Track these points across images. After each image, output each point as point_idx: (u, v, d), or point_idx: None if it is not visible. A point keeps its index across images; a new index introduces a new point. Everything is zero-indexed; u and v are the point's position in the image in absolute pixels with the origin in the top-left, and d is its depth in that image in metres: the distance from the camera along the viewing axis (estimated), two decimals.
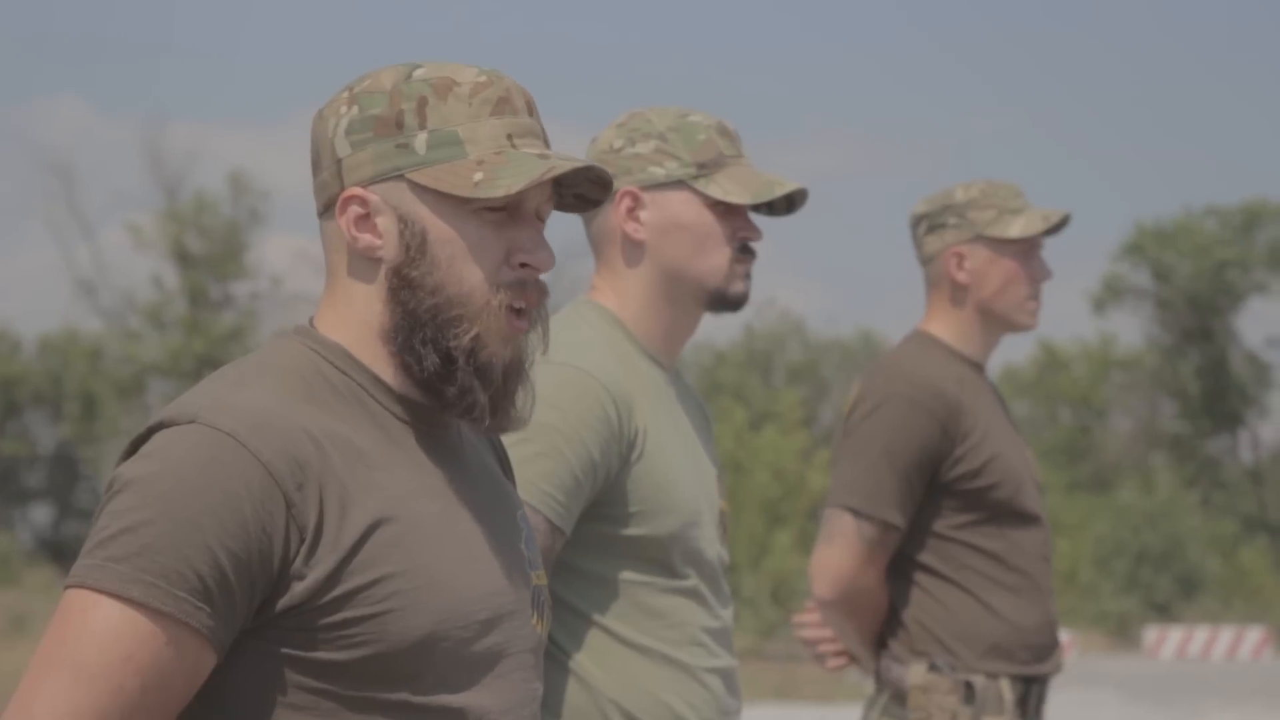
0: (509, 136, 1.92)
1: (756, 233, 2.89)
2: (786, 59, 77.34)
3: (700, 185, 2.85)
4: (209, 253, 41.77)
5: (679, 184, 2.86)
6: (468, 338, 1.90)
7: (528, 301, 1.93)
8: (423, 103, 1.91)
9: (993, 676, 3.64)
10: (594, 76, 76.34)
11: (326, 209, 1.95)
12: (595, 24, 79.35)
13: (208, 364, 40.52)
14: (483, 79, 1.93)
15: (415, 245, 1.90)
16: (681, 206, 2.86)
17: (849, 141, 79.43)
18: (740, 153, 2.91)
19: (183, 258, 41.72)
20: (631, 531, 2.74)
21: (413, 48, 74.15)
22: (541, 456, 2.64)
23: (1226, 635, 31.11)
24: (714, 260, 2.86)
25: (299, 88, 74.06)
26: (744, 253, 2.89)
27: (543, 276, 1.96)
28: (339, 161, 1.93)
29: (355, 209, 1.92)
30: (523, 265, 1.92)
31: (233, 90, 72.96)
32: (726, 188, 2.85)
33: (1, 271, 69.09)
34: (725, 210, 2.87)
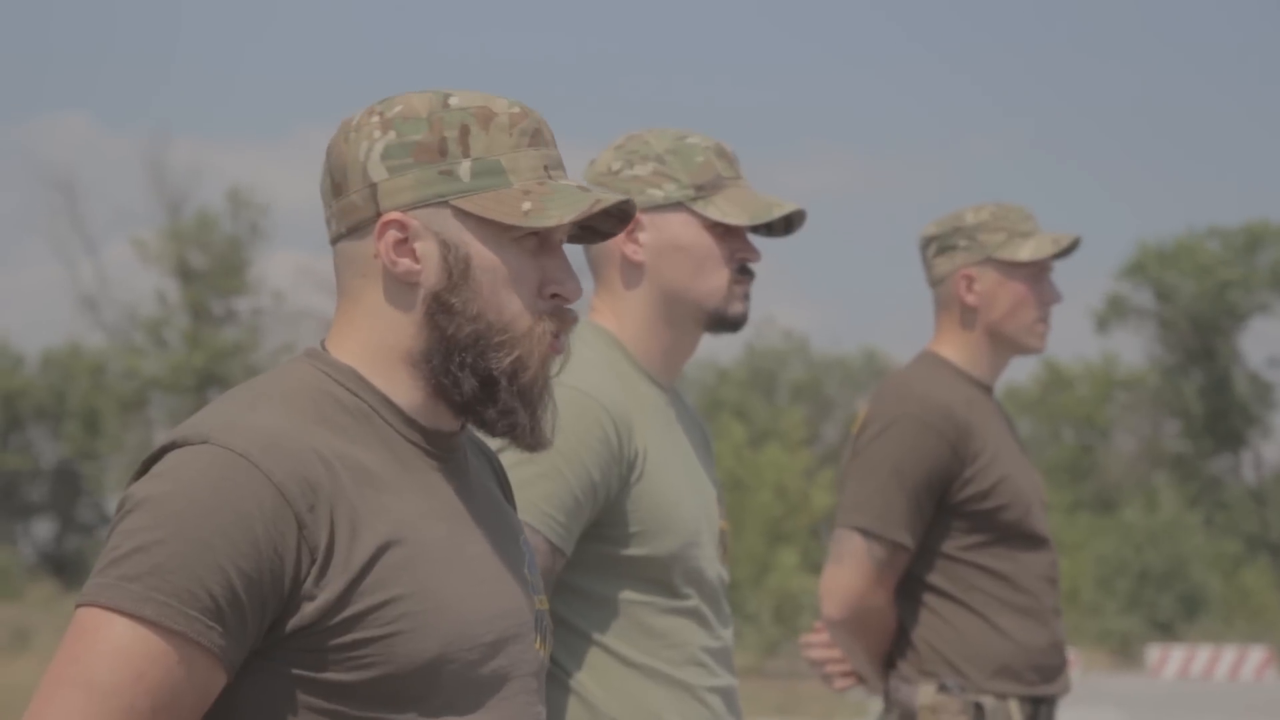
0: (545, 168, 1.95)
1: (755, 254, 2.91)
2: (789, 77, 77.49)
3: (699, 207, 2.87)
4: (211, 268, 41.83)
5: (677, 206, 2.87)
6: (509, 361, 1.92)
7: (564, 327, 1.97)
8: (465, 131, 1.93)
9: (1001, 697, 3.64)
10: (595, 94, 76.47)
11: (351, 231, 1.95)
12: (597, 41, 79.50)
13: (209, 380, 40.57)
14: (516, 110, 1.96)
15: (458, 271, 1.91)
16: (680, 228, 2.87)
17: (852, 160, 79.54)
18: (738, 174, 2.92)
19: (185, 273, 41.79)
20: (632, 552, 2.75)
21: (417, 67, 74.22)
22: (542, 478, 2.65)
23: (1229, 655, 31.09)
24: (713, 281, 2.87)
25: (302, 105, 74.21)
26: (742, 274, 2.90)
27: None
28: (373, 185, 1.93)
29: (394, 233, 1.92)
30: (554, 295, 1.95)
31: (236, 107, 73.11)
32: (725, 209, 2.86)
33: (4, 286, 69.16)
34: (724, 231, 2.88)
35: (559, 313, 1.96)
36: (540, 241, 1.95)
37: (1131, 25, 74.92)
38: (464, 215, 1.92)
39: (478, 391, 1.92)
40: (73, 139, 71.59)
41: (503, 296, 1.92)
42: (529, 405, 1.94)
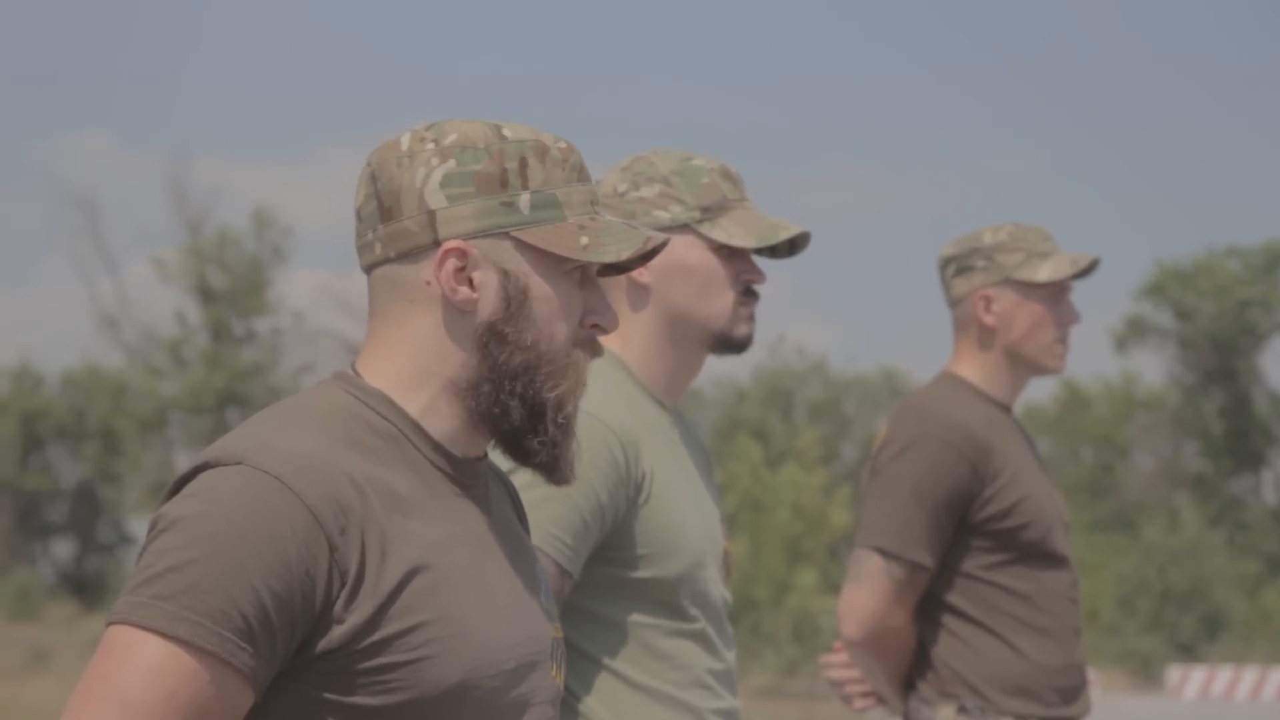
0: (591, 203, 1.99)
1: (760, 275, 2.92)
2: (808, 96, 77.54)
3: (705, 229, 2.87)
4: (231, 288, 41.93)
5: (684, 228, 2.88)
6: (555, 393, 1.95)
7: (593, 359, 2.00)
8: (524, 164, 1.95)
9: (1021, 719, 3.63)
10: (612, 110, 76.54)
11: (402, 256, 1.96)
12: (613, 59, 79.62)
13: (229, 399, 40.64)
14: (564, 145, 2.00)
15: (516, 301, 1.94)
16: (686, 250, 2.88)
17: (870, 179, 79.56)
18: (743, 195, 2.93)
19: (205, 293, 41.89)
20: (640, 574, 2.75)
21: (437, 86, 74.38)
22: (550, 501, 2.65)
23: (1250, 675, 30.97)
24: (719, 303, 2.88)
25: (323, 123, 74.39)
26: (747, 295, 2.91)
27: None
28: (431, 213, 1.94)
29: (454, 261, 1.94)
30: (593, 326, 1.99)
31: (256, 125, 73.33)
32: (731, 231, 2.87)
33: (25, 306, 69.34)
34: (729, 253, 2.89)
35: (592, 343, 1.99)
36: (583, 274, 1.98)
37: (1150, 46, 74.92)
38: (524, 246, 1.95)
39: (525, 421, 1.94)
40: (94, 157, 71.90)
41: (554, 326, 1.95)
42: (568, 437, 1.97)
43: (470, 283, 1.94)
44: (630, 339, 2.89)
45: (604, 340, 2.87)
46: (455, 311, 1.94)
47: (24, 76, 69.50)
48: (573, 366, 1.96)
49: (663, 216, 2.87)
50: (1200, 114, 73.55)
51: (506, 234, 1.94)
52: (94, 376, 47.91)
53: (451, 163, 1.94)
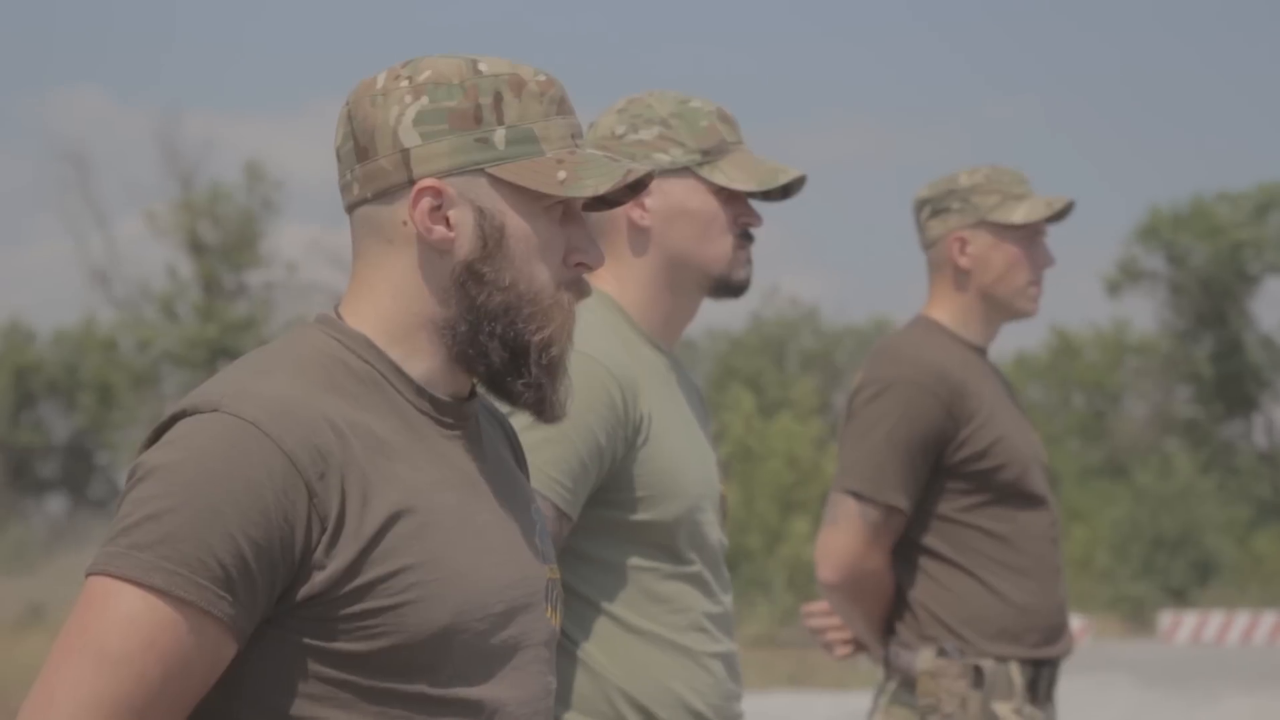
0: (571, 136, 1.95)
1: (757, 219, 2.91)
2: (798, 46, 77.28)
3: (705, 172, 2.86)
4: (223, 242, 41.80)
5: (684, 171, 2.87)
6: (540, 334, 1.91)
7: (581, 298, 1.96)
8: (499, 98, 1.92)
9: (1002, 660, 3.64)
10: (603, 64, 76.32)
11: (378, 196, 1.93)
12: (607, 11, 79.32)
13: (222, 353, 40.59)
14: (543, 78, 1.95)
15: (493, 240, 1.91)
16: (687, 193, 2.87)
17: (862, 129, 79.38)
18: (740, 139, 2.92)
19: (197, 247, 41.76)
20: (638, 517, 2.75)
21: (426, 37, 74.09)
22: (548, 442, 2.64)
23: (1242, 620, 31.10)
24: (718, 247, 2.87)
25: (314, 77, 74.15)
26: (744, 238, 2.91)
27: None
28: (405, 151, 1.91)
29: (429, 200, 1.91)
30: (578, 264, 1.95)
31: (248, 79, 73.07)
32: (731, 175, 2.86)
33: (16, 262, 69.23)
34: (727, 196, 2.88)
35: (579, 283, 1.96)
36: (565, 210, 1.95)
37: None
38: (499, 183, 1.91)
39: (506, 362, 1.92)
40: (84, 112, 71.64)
41: (534, 266, 1.92)
42: (555, 378, 1.94)
43: (446, 221, 1.91)
44: (628, 282, 2.88)
45: (600, 283, 2.87)
46: (432, 251, 1.92)
47: (16, 33, 69.25)
48: (557, 307, 1.92)
49: (662, 159, 2.86)
50: (1194, 57, 73.41)
51: (482, 171, 1.91)
52: (86, 332, 47.82)
53: (425, 99, 1.92)
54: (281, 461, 1.79)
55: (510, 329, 1.91)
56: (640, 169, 1.94)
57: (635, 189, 2.01)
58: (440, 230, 1.91)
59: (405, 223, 1.92)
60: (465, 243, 1.91)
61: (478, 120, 1.91)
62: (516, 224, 1.91)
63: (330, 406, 1.86)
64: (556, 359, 1.93)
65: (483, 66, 1.93)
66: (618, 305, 2.88)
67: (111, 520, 1.81)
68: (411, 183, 1.91)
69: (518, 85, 1.93)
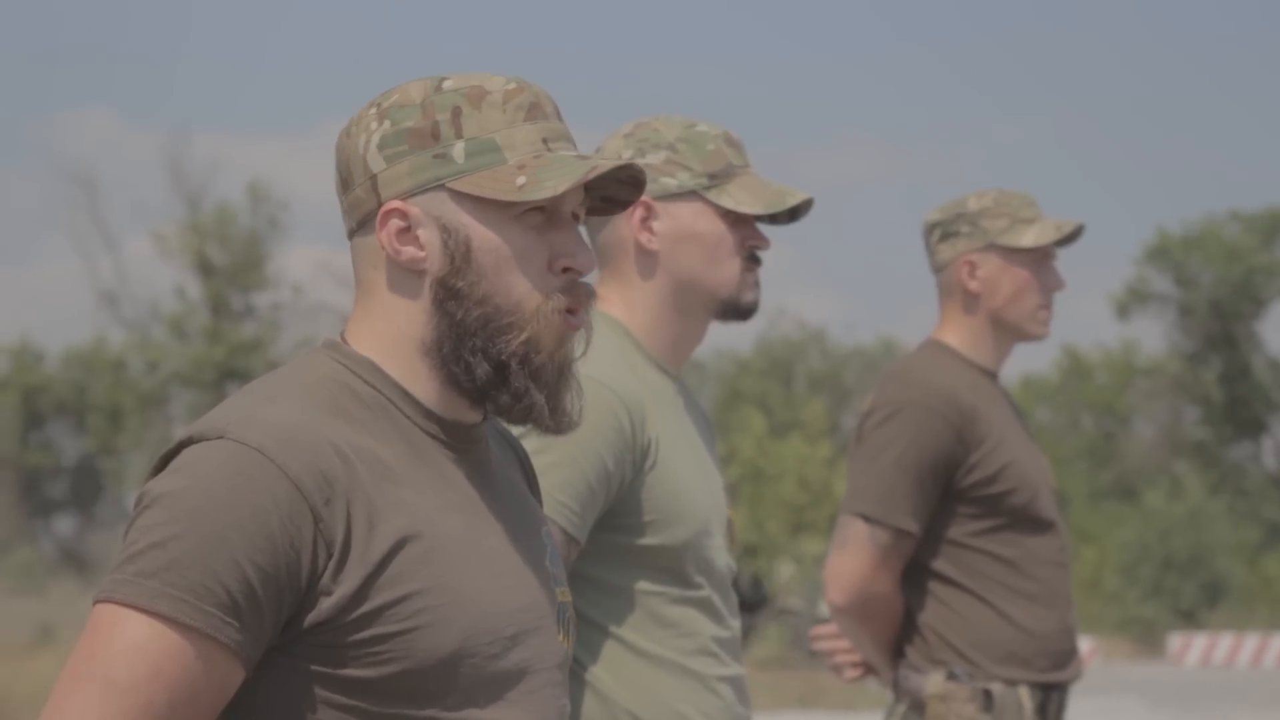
0: (544, 141, 1.92)
1: (765, 241, 2.92)
2: (808, 68, 77.36)
3: (712, 196, 2.87)
4: (231, 263, 41.87)
5: (691, 194, 2.88)
6: (519, 343, 1.90)
7: (579, 303, 1.94)
8: (456, 112, 1.91)
9: (1011, 684, 3.63)
10: (612, 86, 76.41)
11: (361, 226, 1.95)
12: (620, 31, 79.45)
13: (229, 374, 40.65)
14: (512, 86, 1.94)
15: (460, 255, 1.90)
16: (694, 217, 2.87)
17: (871, 150, 79.42)
18: (746, 162, 2.93)
19: (205, 268, 41.83)
20: (646, 541, 2.75)
21: (436, 60, 74.27)
22: (556, 467, 2.64)
23: (1251, 642, 31.02)
24: (726, 270, 2.88)
25: (323, 99, 74.29)
26: (752, 261, 2.91)
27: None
28: (373, 177, 1.92)
29: (396, 222, 1.91)
30: (565, 270, 1.93)
31: (256, 101, 73.21)
32: (739, 198, 2.87)
33: (25, 283, 69.32)
34: (734, 220, 2.89)
35: (572, 287, 1.93)
36: (547, 217, 1.92)
37: (1153, 14, 74.72)
38: (460, 197, 1.90)
39: (490, 376, 1.90)
40: (93, 133, 71.75)
41: (508, 277, 1.90)
42: (543, 386, 1.91)
43: (417, 242, 1.91)
44: (636, 306, 2.89)
45: (608, 307, 2.87)
46: (408, 273, 1.91)
47: (26, 54, 69.41)
48: (536, 316, 1.90)
49: (670, 184, 2.87)
50: (1203, 80, 73.44)
51: (443, 186, 1.90)
52: (95, 353, 47.88)
53: (387, 124, 1.92)
54: (287, 487, 1.79)
55: (490, 342, 1.90)
56: (607, 163, 1.90)
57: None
58: (409, 251, 1.91)
59: (383, 247, 1.92)
60: (435, 261, 1.91)
61: (435, 137, 1.91)
62: (483, 236, 1.90)
63: (336, 432, 1.85)
64: (541, 366, 1.91)
65: (447, 84, 1.93)
66: (625, 329, 2.88)
67: (119, 546, 1.81)
68: (380, 207, 1.92)
69: (478, 97, 1.92)
